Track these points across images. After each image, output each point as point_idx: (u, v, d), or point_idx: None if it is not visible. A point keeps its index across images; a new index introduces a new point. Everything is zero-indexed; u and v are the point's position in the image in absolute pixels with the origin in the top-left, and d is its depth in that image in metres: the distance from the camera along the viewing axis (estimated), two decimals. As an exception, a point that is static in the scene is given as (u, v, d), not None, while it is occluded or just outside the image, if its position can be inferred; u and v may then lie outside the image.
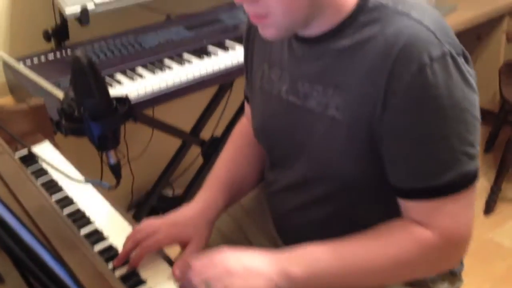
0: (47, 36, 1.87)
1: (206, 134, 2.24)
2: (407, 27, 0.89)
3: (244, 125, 1.29)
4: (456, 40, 0.92)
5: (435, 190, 0.91)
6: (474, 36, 2.71)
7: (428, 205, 0.92)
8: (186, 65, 1.73)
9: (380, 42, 0.90)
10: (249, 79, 1.18)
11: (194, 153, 2.29)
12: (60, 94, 1.11)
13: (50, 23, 1.88)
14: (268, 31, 0.95)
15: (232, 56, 1.79)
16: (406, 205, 0.96)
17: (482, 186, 2.48)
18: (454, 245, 0.95)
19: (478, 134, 0.92)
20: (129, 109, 0.98)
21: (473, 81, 0.91)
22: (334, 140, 0.97)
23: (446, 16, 2.27)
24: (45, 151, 1.32)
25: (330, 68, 0.96)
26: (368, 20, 0.93)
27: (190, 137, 2.17)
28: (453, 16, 2.32)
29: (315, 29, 0.96)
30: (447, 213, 0.92)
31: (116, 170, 1.04)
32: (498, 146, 2.69)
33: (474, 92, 0.91)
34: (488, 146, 2.78)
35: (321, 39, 0.96)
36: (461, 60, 0.90)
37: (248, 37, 1.16)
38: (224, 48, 1.83)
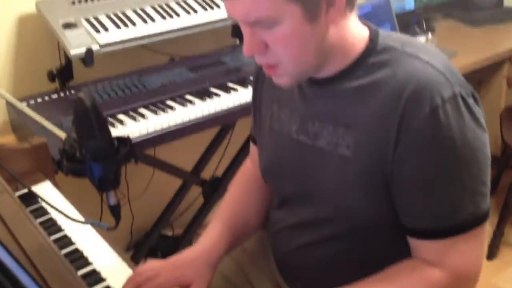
0: (51, 77, 1.89)
1: (207, 174, 2.24)
2: (418, 68, 0.91)
3: (247, 168, 1.29)
4: (465, 81, 0.94)
5: (447, 230, 0.92)
6: (475, 81, 2.73)
7: (439, 244, 0.93)
8: (189, 106, 1.75)
9: (391, 83, 0.92)
10: (257, 120, 1.19)
11: (195, 193, 2.28)
12: (62, 134, 1.12)
13: (54, 64, 1.91)
14: (281, 80, 0.97)
15: (234, 97, 1.80)
16: (417, 244, 0.96)
17: (484, 230, 2.46)
18: (464, 283, 0.95)
19: (489, 172, 0.94)
20: (131, 150, 0.98)
21: (483, 121, 0.93)
22: (344, 179, 0.97)
23: (446, 60, 2.30)
24: (45, 190, 1.33)
25: (341, 107, 0.97)
26: (378, 61, 0.95)
27: (191, 177, 2.17)
28: (453, 61, 2.32)
29: (325, 72, 0.98)
30: (459, 252, 0.93)
31: (115, 211, 1.03)
32: (501, 190, 2.67)
33: (485, 131, 0.93)
34: (490, 190, 2.77)
35: (331, 81, 0.98)
36: (471, 101, 0.91)
37: (257, 78, 1.18)
38: (227, 89, 1.85)
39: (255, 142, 1.24)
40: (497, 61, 2.56)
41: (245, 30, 0.92)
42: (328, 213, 1.02)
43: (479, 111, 0.93)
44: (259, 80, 1.17)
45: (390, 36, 0.99)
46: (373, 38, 0.97)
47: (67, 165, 0.96)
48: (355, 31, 0.96)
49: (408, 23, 2.77)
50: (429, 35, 2.71)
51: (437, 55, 0.95)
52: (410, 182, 0.91)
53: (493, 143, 2.73)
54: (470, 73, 2.38)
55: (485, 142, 0.93)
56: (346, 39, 0.95)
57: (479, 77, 2.72)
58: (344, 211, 0.99)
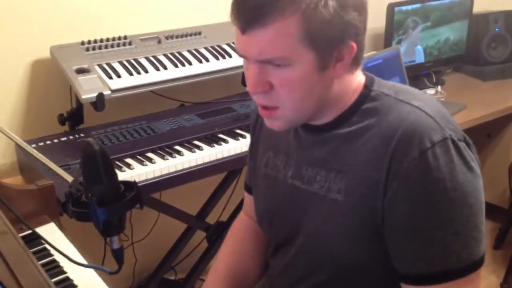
0: (61, 120, 1.92)
1: (212, 218, 2.23)
2: (408, 112, 0.92)
3: (242, 219, 1.30)
4: (458, 127, 0.95)
5: (440, 276, 0.90)
6: (484, 134, 2.73)
7: None
8: (196, 151, 1.76)
9: (382, 127, 0.93)
10: (253, 166, 1.21)
11: (199, 237, 2.27)
12: (69, 177, 1.13)
13: (66, 107, 1.94)
14: (274, 123, 0.99)
15: (242, 143, 1.81)
16: None
17: (491, 283, 2.42)
18: None
19: (483, 217, 0.92)
20: (137, 195, 0.98)
21: (475, 165, 0.92)
22: (336, 223, 0.97)
23: (456, 114, 2.31)
24: (50, 232, 1.33)
25: (334, 153, 0.99)
26: (371, 108, 0.96)
27: (196, 222, 2.16)
28: (463, 114, 2.35)
29: (322, 120, 1.00)
30: None
31: (118, 255, 1.02)
32: (508, 243, 2.64)
33: (477, 175, 0.92)
34: (498, 243, 2.73)
35: (327, 127, 1.00)
36: (462, 145, 0.91)
37: (256, 125, 1.20)
38: (235, 136, 1.86)
39: (249, 192, 1.25)
40: (507, 115, 2.56)
41: (252, 67, 0.92)
42: (321, 258, 1.02)
43: (471, 155, 0.92)
44: (257, 127, 1.19)
45: (386, 85, 1.01)
46: (368, 85, 0.99)
47: (72, 209, 0.96)
48: (355, 82, 0.99)
49: (418, 75, 2.80)
50: (439, 88, 2.73)
51: (429, 101, 0.96)
52: (401, 226, 0.91)
53: (502, 196, 2.71)
54: (479, 126, 2.39)
55: (478, 186, 0.91)
56: (347, 91, 0.98)
57: (489, 130, 2.72)
58: (336, 256, 0.99)
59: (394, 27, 2.64)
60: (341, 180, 0.96)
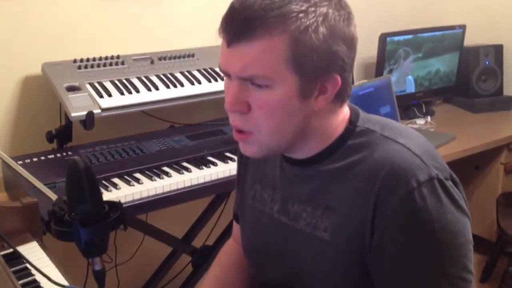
0: (50, 137, 1.90)
1: (198, 242, 2.21)
2: (394, 151, 0.91)
3: (231, 245, 1.28)
4: (445, 165, 0.93)
5: None
6: (472, 166, 2.74)
7: None
8: (185, 173, 1.75)
9: (367, 165, 0.91)
10: (240, 197, 1.19)
11: (184, 261, 2.24)
12: (53, 195, 1.11)
13: (55, 124, 1.92)
14: (249, 149, 0.95)
15: (231, 167, 1.80)
16: None
17: (478, 318, 2.40)
18: None
19: (471, 257, 0.90)
20: (121, 216, 0.97)
21: (463, 203, 0.90)
22: (322, 261, 0.95)
23: (445, 145, 2.32)
24: (32, 250, 1.30)
25: (320, 189, 0.97)
26: (356, 144, 0.95)
27: (182, 245, 2.13)
28: (452, 145, 2.37)
29: (304, 152, 0.98)
30: None
31: (100, 277, 1.00)
32: (495, 276, 2.63)
33: (465, 214, 0.90)
34: (485, 276, 2.72)
35: (311, 161, 0.98)
36: (449, 183, 0.90)
37: (242, 157, 1.17)
38: (224, 159, 1.85)
39: (237, 220, 1.23)
40: (495, 147, 2.58)
41: (232, 84, 0.90)
42: None
43: (458, 194, 0.91)
44: (244, 159, 1.16)
45: (371, 120, 0.99)
46: (353, 120, 0.97)
47: (55, 227, 0.94)
48: (338, 117, 0.97)
49: (408, 105, 2.82)
50: (428, 118, 2.75)
51: (416, 138, 0.95)
52: (389, 267, 0.89)
53: (489, 229, 2.71)
54: (468, 158, 2.40)
55: (466, 225, 0.90)
56: (329, 125, 0.95)
57: (477, 162, 2.73)
58: None
59: (385, 57, 2.67)
60: (328, 218, 0.94)
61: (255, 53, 0.85)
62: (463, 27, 2.85)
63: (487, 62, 2.90)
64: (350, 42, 0.90)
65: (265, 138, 0.92)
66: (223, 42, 0.90)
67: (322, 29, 0.86)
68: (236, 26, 0.86)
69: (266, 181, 1.09)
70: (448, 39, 2.84)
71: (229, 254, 1.26)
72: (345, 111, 0.98)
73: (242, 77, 0.88)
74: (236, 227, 1.25)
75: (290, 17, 0.84)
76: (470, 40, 2.90)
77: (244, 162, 1.17)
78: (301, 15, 0.85)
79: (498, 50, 2.91)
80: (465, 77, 2.92)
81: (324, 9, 0.87)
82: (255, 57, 0.85)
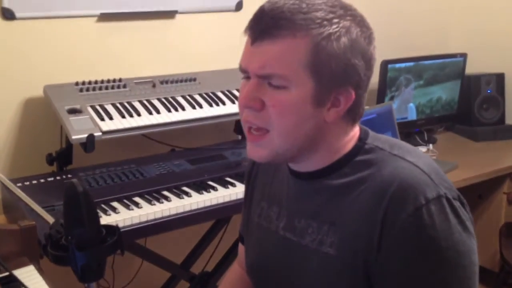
0: (50, 159, 1.89)
1: (197, 267, 2.18)
2: (403, 168, 0.91)
3: (235, 272, 1.27)
4: (452, 186, 0.93)
5: None
6: (475, 195, 2.72)
7: None
8: (185, 197, 1.73)
9: (376, 182, 0.91)
10: (246, 216, 1.18)
11: (183, 287, 2.21)
12: (50, 218, 1.10)
13: (55, 147, 1.92)
14: (258, 151, 0.96)
15: (231, 192, 1.79)
16: None
17: None
18: None
19: (476, 279, 0.90)
20: (118, 241, 0.95)
21: (470, 225, 0.90)
22: (327, 277, 0.95)
23: (447, 173, 2.29)
24: (28, 274, 1.29)
25: (326, 205, 0.97)
26: (365, 160, 0.95)
27: (180, 271, 2.11)
28: (454, 174, 2.35)
29: (311, 165, 0.98)
30: None
31: (96, 303, 0.98)
32: (498, 308, 2.59)
33: (472, 236, 0.90)
34: (488, 308, 2.69)
35: (317, 175, 0.98)
36: (457, 204, 0.90)
37: (251, 174, 1.18)
38: (224, 184, 1.84)
39: (243, 242, 1.22)
40: (498, 177, 2.56)
41: (250, 82, 0.92)
42: None
43: (466, 215, 0.91)
44: (252, 176, 1.17)
45: (380, 138, 1.00)
46: (362, 138, 0.99)
47: (51, 251, 0.92)
48: (349, 136, 0.98)
49: (410, 132, 2.82)
50: (430, 146, 2.74)
51: (424, 158, 0.96)
52: (393, 283, 0.89)
53: (492, 259, 2.67)
54: (470, 187, 2.38)
55: (472, 247, 0.90)
56: (338, 141, 0.96)
57: (480, 191, 2.71)
58: None
59: (387, 84, 2.68)
60: (334, 233, 0.94)
61: (277, 52, 0.89)
62: (464, 55, 2.86)
63: (488, 91, 2.90)
64: (369, 61, 0.93)
65: (276, 139, 0.93)
66: (247, 42, 0.93)
67: (343, 39, 0.89)
68: (263, 24, 0.90)
69: (273, 199, 1.09)
70: (449, 67, 2.85)
71: (233, 281, 1.25)
72: (355, 130, 0.99)
73: (260, 74, 0.91)
74: (241, 249, 1.24)
75: (314, 22, 0.88)
76: (472, 68, 2.91)
77: (252, 180, 1.17)
78: (325, 22, 0.88)
79: (499, 78, 2.91)
80: (467, 105, 2.92)
81: (347, 23, 0.90)
82: (276, 56, 0.89)
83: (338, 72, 0.89)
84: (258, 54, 0.90)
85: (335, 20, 0.89)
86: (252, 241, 1.14)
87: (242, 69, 0.94)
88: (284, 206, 1.05)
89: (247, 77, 0.94)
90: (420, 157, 0.96)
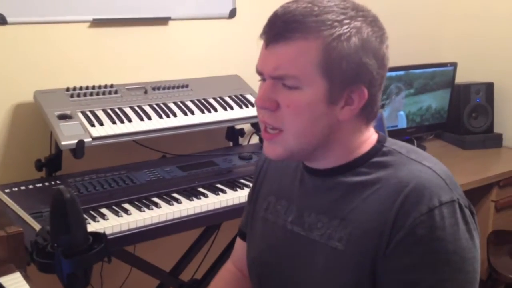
0: (39, 165, 1.88)
1: (186, 275, 2.17)
2: (420, 171, 0.94)
3: (229, 271, 1.27)
4: (463, 195, 0.96)
5: None
6: (462, 202, 2.73)
7: None
8: (174, 204, 1.73)
9: (392, 182, 0.94)
10: (251, 210, 1.19)
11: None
12: (37, 225, 1.09)
13: (44, 152, 1.91)
14: (274, 149, 0.98)
15: (221, 199, 1.79)
16: None
17: None
18: None
19: (476, 287, 0.92)
20: (105, 248, 0.95)
21: (476, 235, 0.93)
22: (333, 271, 0.96)
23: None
24: (14, 282, 1.27)
25: (339, 201, 0.98)
26: (382, 161, 0.98)
27: (169, 279, 2.10)
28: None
29: (326, 163, 1.00)
30: None
31: (82, 310, 0.98)
32: (486, 316, 2.60)
33: (477, 246, 0.92)
34: (476, 316, 2.69)
35: (333, 173, 1.00)
36: (467, 212, 0.93)
37: (261, 169, 1.20)
38: (215, 190, 1.84)
39: (243, 238, 1.23)
40: (486, 185, 2.58)
41: (265, 83, 0.95)
42: None
43: (473, 225, 0.93)
44: (262, 171, 1.20)
45: (397, 143, 1.03)
46: (380, 141, 1.01)
47: (36, 259, 0.92)
48: (365, 136, 1.00)
49: (400, 140, 2.82)
50: (420, 153, 2.75)
51: (440, 165, 0.99)
52: (394, 279, 0.91)
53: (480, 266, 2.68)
54: (458, 195, 2.39)
55: (476, 256, 0.92)
56: (353, 141, 0.99)
57: (468, 199, 2.72)
58: None
59: (378, 92, 2.68)
60: (344, 229, 0.96)
61: (290, 54, 0.92)
62: (454, 65, 2.89)
63: (478, 100, 2.93)
64: (381, 59, 0.96)
65: (291, 138, 0.95)
66: (262, 46, 0.96)
67: (354, 39, 0.91)
68: (276, 28, 0.93)
69: (281, 193, 1.11)
70: (439, 76, 2.87)
71: (227, 280, 1.25)
72: (371, 133, 1.02)
73: (274, 76, 0.94)
74: (238, 246, 1.24)
75: (325, 24, 0.91)
76: (462, 77, 2.94)
77: (262, 176, 1.19)
78: (336, 24, 0.91)
79: (489, 88, 2.93)
80: (456, 114, 2.94)
81: (358, 24, 0.93)
82: (289, 58, 0.92)
83: (349, 71, 0.92)
84: (272, 57, 0.93)
85: (346, 21, 0.92)
86: (256, 235, 1.15)
87: (258, 72, 0.97)
88: (293, 201, 1.07)
89: (263, 79, 0.97)
90: (436, 163, 0.98)
